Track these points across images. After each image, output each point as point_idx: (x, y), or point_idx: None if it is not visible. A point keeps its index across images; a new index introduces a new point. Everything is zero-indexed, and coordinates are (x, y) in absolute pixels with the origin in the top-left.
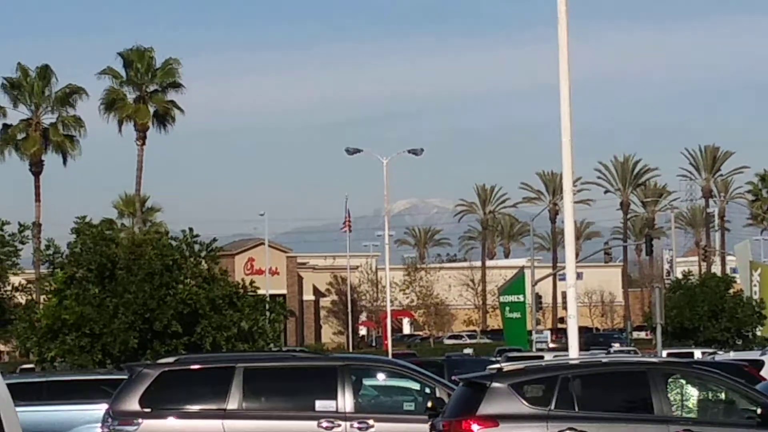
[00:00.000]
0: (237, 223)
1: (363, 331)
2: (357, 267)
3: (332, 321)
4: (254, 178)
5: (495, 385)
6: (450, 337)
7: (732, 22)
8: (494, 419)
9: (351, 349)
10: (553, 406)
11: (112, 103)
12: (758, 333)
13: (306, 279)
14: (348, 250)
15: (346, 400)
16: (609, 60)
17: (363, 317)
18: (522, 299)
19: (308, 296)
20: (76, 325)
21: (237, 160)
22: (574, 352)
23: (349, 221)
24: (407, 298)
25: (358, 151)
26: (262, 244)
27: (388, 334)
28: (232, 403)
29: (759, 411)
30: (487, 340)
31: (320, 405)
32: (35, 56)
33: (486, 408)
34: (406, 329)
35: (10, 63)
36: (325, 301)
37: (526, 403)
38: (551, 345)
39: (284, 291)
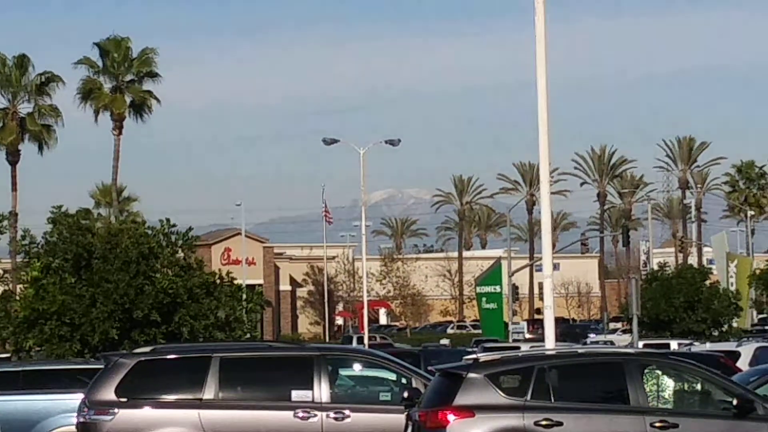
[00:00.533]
0: (214, 213)
1: (339, 322)
2: (334, 257)
3: (309, 311)
4: (231, 167)
5: (471, 375)
6: (458, 327)
7: (710, 15)
8: (470, 409)
9: (327, 340)
10: (529, 397)
11: (88, 93)
12: (734, 324)
13: (282, 269)
14: (324, 240)
15: (322, 390)
16: (587, 51)
17: (340, 307)
18: (499, 290)
19: (285, 286)
20: (56, 314)
21: (214, 149)
22: (550, 343)
23: (328, 212)
24: (384, 288)
25: (335, 141)
26: (239, 234)
27: (364, 324)
28: (209, 393)
29: (735, 402)
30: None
31: (296, 395)
32: (12, 45)
33: (462, 398)
34: (383, 320)
35: None
36: (301, 292)
37: (503, 394)
38: (528, 336)
39: (261, 281)
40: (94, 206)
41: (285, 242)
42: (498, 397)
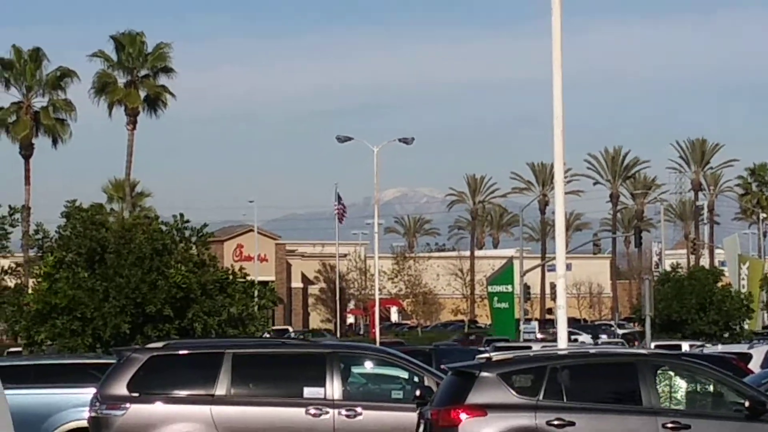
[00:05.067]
0: (226, 209)
1: (351, 319)
2: (346, 255)
3: (320, 308)
4: (244, 164)
5: (484, 374)
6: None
7: (724, 17)
8: (482, 408)
9: (339, 337)
10: (541, 396)
11: (102, 87)
12: (746, 326)
13: (294, 266)
14: (337, 238)
15: (334, 388)
16: (602, 52)
17: (351, 305)
18: (510, 289)
19: (296, 283)
20: (68, 308)
21: (228, 146)
22: (563, 343)
23: (341, 210)
24: (395, 286)
25: (348, 139)
26: (252, 230)
27: (376, 322)
28: (221, 389)
29: (747, 404)
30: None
31: (308, 392)
32: (28, 39)
33: (474, 397)
34: (394, 318)
35: (5, 46)
36: (313, 289)
37: (515, 393)
38: (539, 336)
39: (272, 278)
40: (107, 201)
41: (297, 239)
42: (510, 397)
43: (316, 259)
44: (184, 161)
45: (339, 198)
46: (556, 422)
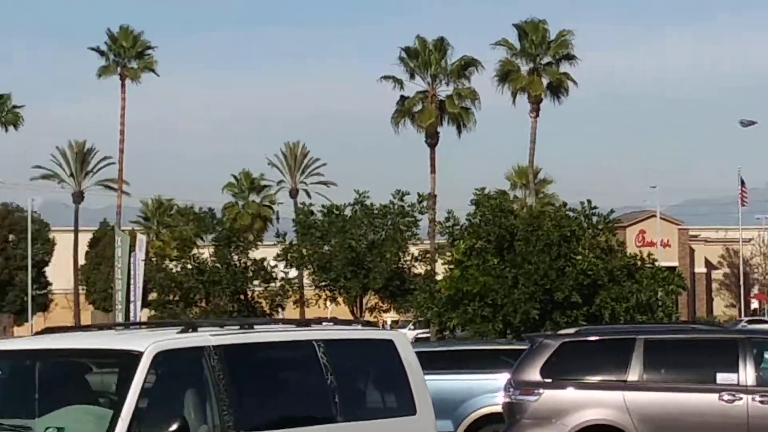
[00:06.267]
0: (626, 195)
1: (755, 304)
2: (749, 240)
3: (724, 294)
4: (644, 149)
5: None
6: None
7: None
8: None
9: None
10: None
11: (506, 75)
12: None
13: (697, 251)
14: (740, 222)
15: (747, 373)
16: None
17: (755, 290)
18: None
19: (700, 269)
20: (479, 294)
21: (627, 130)
22: None
23: (743, 194)
24: None
25: (752, 123)
26: (654, 216)
27: None
28: (633, 375)
29: None
30: None
31: (721, 378)
32: (432, 28)
33: None
34: None
35: (410, 36)
36: (716, 274)
37: None
38: None
39: (675, 263)
40: (510, 188)
41: (699, 224)
42: None
43: (719, 244)
44: (583, 147)
45: (742, 182)
46: None
